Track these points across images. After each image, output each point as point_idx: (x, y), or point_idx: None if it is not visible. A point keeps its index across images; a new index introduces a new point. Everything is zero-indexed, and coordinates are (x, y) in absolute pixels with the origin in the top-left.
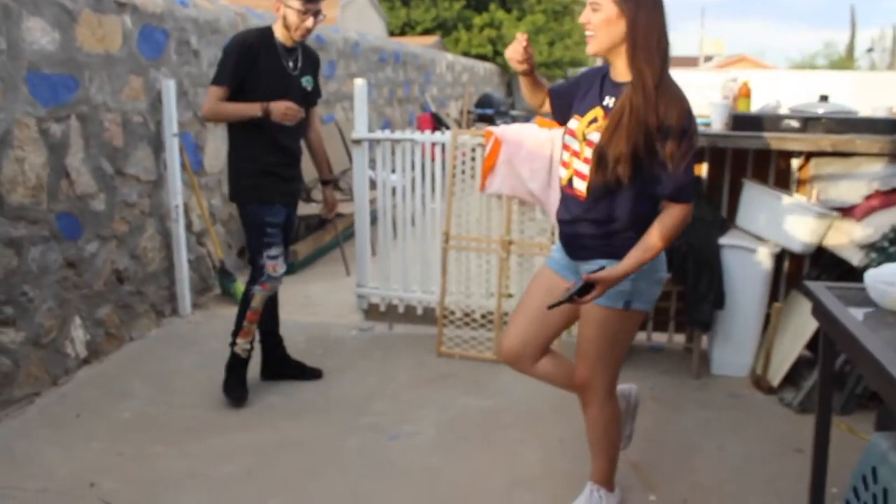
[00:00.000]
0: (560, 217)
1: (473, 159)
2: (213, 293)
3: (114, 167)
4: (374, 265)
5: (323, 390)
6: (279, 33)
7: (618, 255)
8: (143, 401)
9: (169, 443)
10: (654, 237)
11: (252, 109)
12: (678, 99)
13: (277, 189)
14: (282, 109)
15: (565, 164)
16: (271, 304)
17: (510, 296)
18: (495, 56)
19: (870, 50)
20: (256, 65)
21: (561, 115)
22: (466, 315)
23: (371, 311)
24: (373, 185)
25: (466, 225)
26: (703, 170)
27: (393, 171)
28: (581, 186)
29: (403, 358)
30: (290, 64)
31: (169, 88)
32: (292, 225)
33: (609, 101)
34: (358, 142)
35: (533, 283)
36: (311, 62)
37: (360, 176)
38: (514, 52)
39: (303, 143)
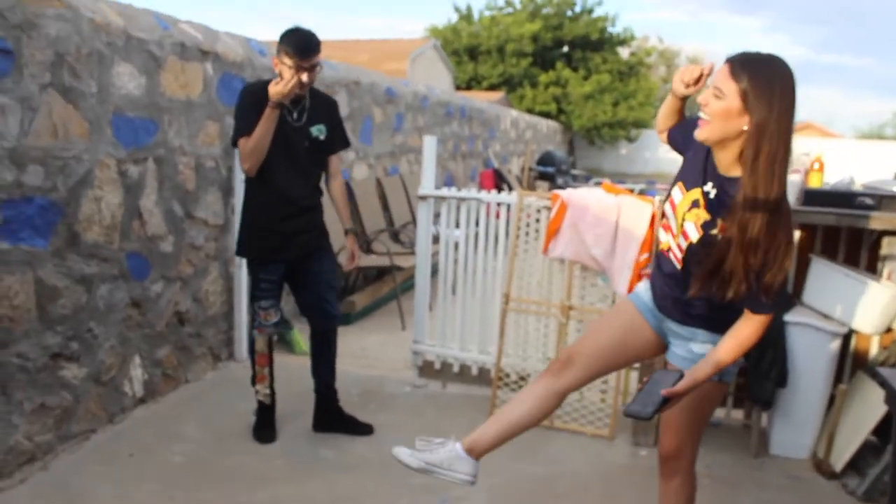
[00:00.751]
0: (653, 270)
1: (538, 220)
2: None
3: (184, 210)
4: (431, 321)
5: (376, 446)
6: None
7: (695, 324)
8: (195, 444)
9: (219, 490)
10: (723, 351)
11: (266, 116)
12: (788, 225)
13: (274, 247)
14: (274, 90)
15: (666, 228)
16: (327, 356)
17: None
18: (559, 114)
19: None
20: (259, 115)
21: (674, 146)
22: (522, 378)
23: (425, 368)
24: (435, 239)
25: (528, 287)
26: None
27: (457, 225)
28: (676, 258)
29: (456, 418)
30: (294, 115)
31: None
32: (319, 274)
33: (711, 189)
34: (424, 198)
35: (612, 314)
36: (325, 110)
37: (423, 231)
38: (688, 73)
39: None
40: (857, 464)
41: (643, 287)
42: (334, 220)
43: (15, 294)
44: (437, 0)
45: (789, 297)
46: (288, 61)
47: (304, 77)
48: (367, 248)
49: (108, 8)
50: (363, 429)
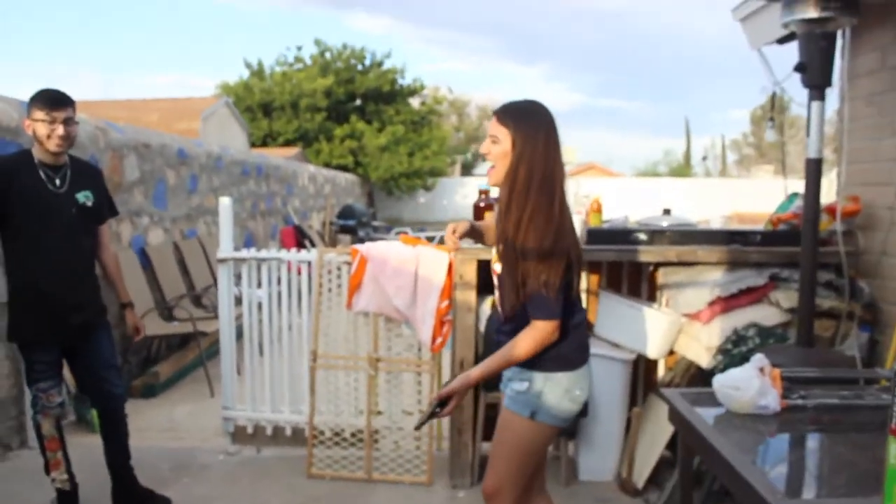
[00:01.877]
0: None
1: (339, 276)
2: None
3: None
4: (240, 385)
5: None
6: (37, 152)
7: (525, 364)
8: None
9: None
10: (511, 348)
11: None
12: (539, 226)
13: (45, 328)
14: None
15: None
16: (115, 436)
17: (380, 413)
18: (356, 166)
19: (704, 158)
20: (12, 187)
21: None
22: (336, 434)
23: (238, 434)
24: (238, 300)
25: (334, 342)
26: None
27: (259, 284)
28: (498, 300)
29: (273, 482)
30: (57, 182)
31: None
32: (97, 354)
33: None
34: (224, 260)
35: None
36: (89, 177)
37: (224, 294)
38: (450, 244)
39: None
40: (656, 478)
41: None
42: (137, 288)
43: None
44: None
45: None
46: (39, 115)
47: (60, 130)
48: (168, 315)
49: None
50: (160, 502)
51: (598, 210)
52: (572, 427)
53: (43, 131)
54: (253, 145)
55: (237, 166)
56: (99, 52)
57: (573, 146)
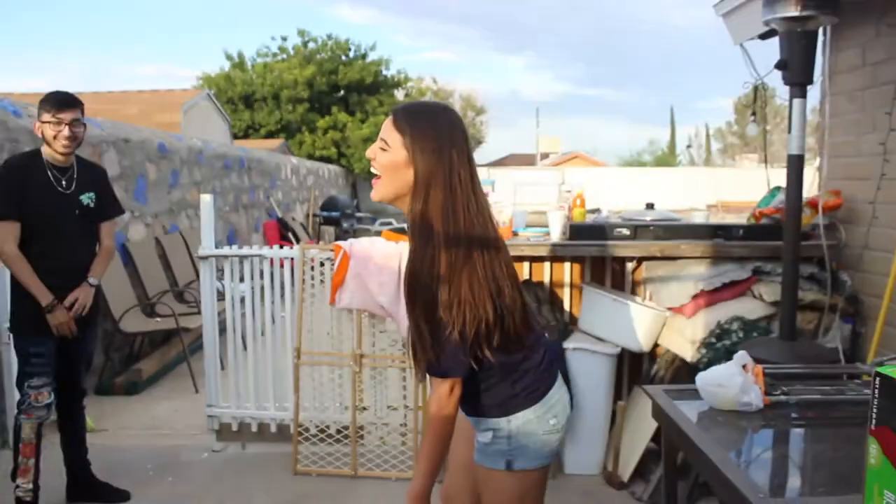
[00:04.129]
0: None
1: (322, 273)
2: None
3: None
4: (224, 381)
5: None
6: (46, 153)
7: (477, 412)
8: None
9: None
10: (424, 440)
11: (42, 295)
12: (414, 262)
13: (42, 320)
14: (56, 322)
15: None
16: (73, 428)
17: (365, 408)
18: (340, 158)
19: (688, 146)
20: (24, 188)
21: None
22: (322, 430)
23: (223, 431)
24: (220, 295)
25: (318, 339)
26: (544, 276)
27: (241, 279)
28: None
29: (259, 479)
30: (64, 183)
31: None
32: (82, 351)
33: None
34: (205, 258)
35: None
36: (94, 178)
37: (207, 291)
38: None
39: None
40: (641, 471)
41: None
42: (119, 285)
43: None
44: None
45: (566, 324)
46: (46, 117)
47: (66, 131)
48: (150, 312)
49: None
50: (119, 496)
51: (582, 205)
52: None
53: (50, 133)
54: (235, 137)
55: (219, 160)
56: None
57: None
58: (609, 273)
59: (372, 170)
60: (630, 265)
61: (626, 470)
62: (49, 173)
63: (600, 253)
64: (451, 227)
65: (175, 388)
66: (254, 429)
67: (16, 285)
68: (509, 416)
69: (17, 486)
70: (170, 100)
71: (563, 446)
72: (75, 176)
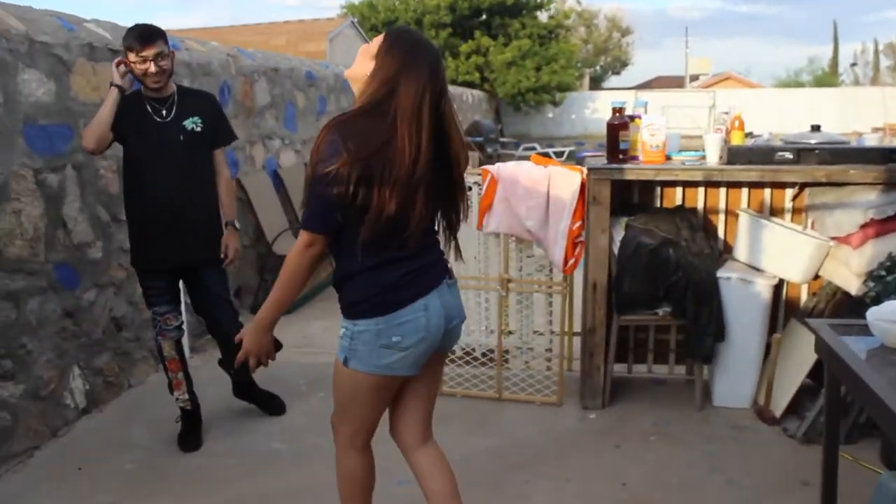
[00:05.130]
0: None
1: (469, 198)
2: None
3: (109, 214)
4: None
5: (328, 435)
6: (143, 87)
7: (341, 310)
8: (145, 450)
9: (175, 495)
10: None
11: (109, 95)
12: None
13: (155, 256)
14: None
15: None
16: (230, 348)
17: (510, 333)
18: (483, 82)
19: (853, 65)
20: (123, 120)
21: None
22: (467, 353)
23: None
24: None
25: (465, 263)
26: (697, 202)
27: None
28: None
29: None
30: (164, 112)
31: None
32: (209, 290)
33: None
34: None
35: None
36: (198, 104)
37: None
38: None
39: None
40: (795, 408)
41: None
42: (272, 209)
43: None
44: None
45: (721, 253)
46: (131, 56)
47: (152, 67)
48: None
49: (5, 12)
50: (277, 407)
51: (741, 127)
52: (708, 352)
53: (138, 70)
54: None
55: None
56: None
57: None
58: (768, 200)
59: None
60: (790, 192)
61: (778, 405)
62: (147, 105)
63: (760, 178)
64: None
65: (326, 308)
66: None
67: (129, 221)
68: (355, 321)
69: (177, 399)
70: (315, 29)
71: (713, 378)
72: (175, 104)
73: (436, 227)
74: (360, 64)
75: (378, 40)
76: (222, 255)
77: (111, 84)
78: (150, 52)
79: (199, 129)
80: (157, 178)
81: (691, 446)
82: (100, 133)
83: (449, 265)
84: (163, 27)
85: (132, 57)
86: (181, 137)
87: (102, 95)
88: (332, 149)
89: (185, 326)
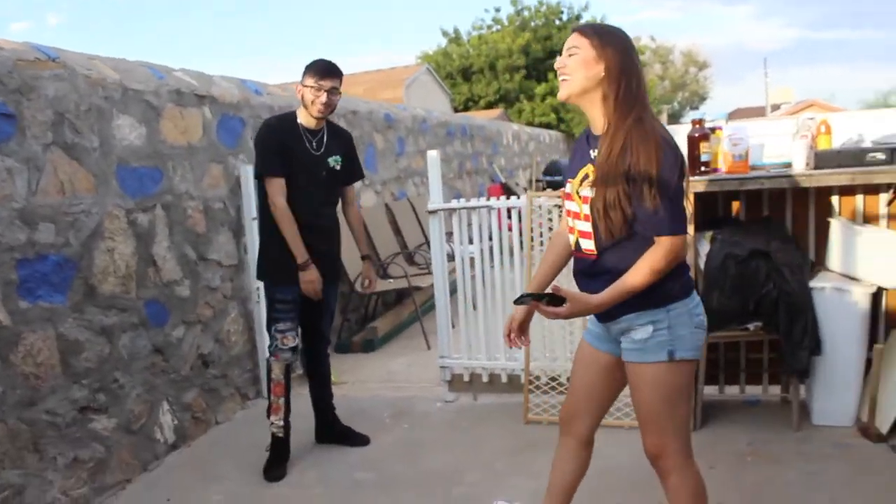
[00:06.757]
0: (578, 282)
1: (550, 220)
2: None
3: (197, 253)
4: (456, 336)
5: (412, 463)
6: (301, 116)
7: (638, 306)
8: (233, 483)
9: None
10: (631, 274)
11: (299, 252)
12: (650, 138)
13: (288, 270)
14: (305, 280)
15: (570, 230)
16: (321, 373)
17: None
18: (559, 123)
19: None
20: (284, 146)
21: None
22: (552, 380)
23: (455, 382)
24: (450, 258)
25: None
26: (786, 210)
27: (470, 241)
28: (589, 246)
29: (491, 427)
30: (314, 145)
31: (247, 174)
32: (330, 299)
33: (594, 152)
34: (434, 212)
35: (575, 360)
36: (341, 142)
37: (437, 245)
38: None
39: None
40: None
41: (591, 318)
42: (353, 249)
43: (38, 351)
44: (426, 27)
45: (812, 263)
46: (309, 81)
47: (324, 97)
48: (383, 274)
49: (103, 64)
50: (360, 440)
51: (828, 132)
52: (805, 366)
53: (309, 96)
54: (455, 110)
55: (442, 128)
56: (308, 40)
57: (789, 86)
58: (860, 206)
59: (560, 78)
60: (884, 196)
61: (885, 422)
62: (303, 135)
63: (851, 181)
64: (636, 102)
65: (408, 345)
66: (485, 379)
67: (268, 235)
68: (668, 307)
69: (272, 423)
70: (392, 77)
71: (811, 396)
72: (325, 139)
73: None
74: None
75: None
76: (364, 286)
77: (304, 265)
78: (327, 84)
79: (338, 168)
80: (305, 204)
81: (791, 466)
82: (279, 223)
83: None
84: (247, 83)
85: (309, 82)
86: (324, 173)
87: (189, 139)
88: (675, 155)
89: (298, 351)
